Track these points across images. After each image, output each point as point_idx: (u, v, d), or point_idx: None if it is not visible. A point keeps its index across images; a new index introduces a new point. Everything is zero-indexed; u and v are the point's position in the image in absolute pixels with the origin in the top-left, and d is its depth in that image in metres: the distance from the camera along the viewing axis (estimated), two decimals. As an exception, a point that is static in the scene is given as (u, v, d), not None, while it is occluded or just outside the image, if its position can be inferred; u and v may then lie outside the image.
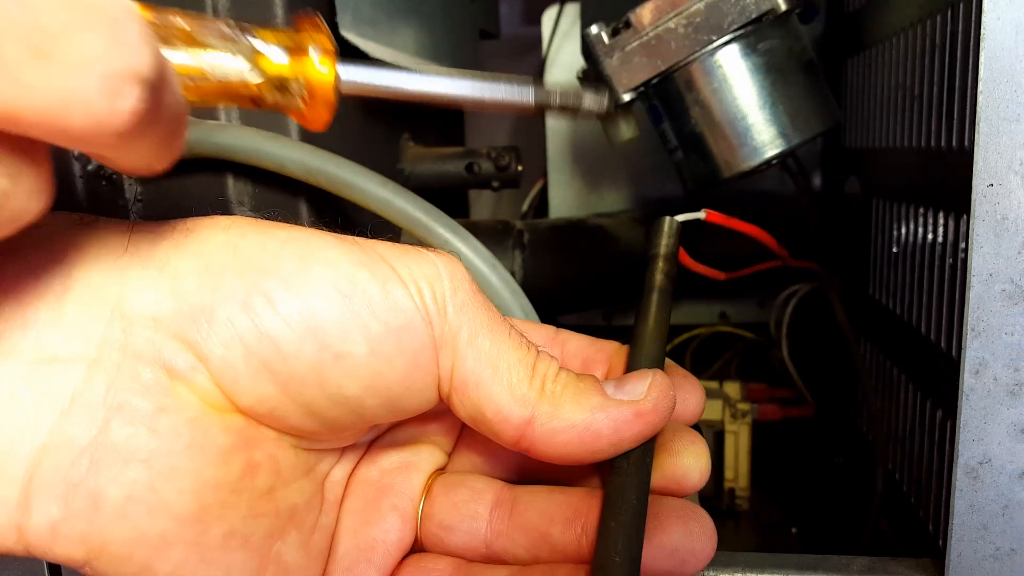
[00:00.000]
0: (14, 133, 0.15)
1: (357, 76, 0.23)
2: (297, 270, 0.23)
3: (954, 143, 0.33)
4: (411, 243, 0.26)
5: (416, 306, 0.24)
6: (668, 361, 0.31)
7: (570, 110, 0.28)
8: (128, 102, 0.15)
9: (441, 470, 0.30)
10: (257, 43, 0.21)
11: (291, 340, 0.23)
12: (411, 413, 0.26)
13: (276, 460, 0.25)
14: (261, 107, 0.22)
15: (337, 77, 0.22)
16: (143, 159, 0.19)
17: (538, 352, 0.26)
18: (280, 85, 0.22)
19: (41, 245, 0.23)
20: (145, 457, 0.21)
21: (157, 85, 0.16)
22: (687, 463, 0.27)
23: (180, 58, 0.21)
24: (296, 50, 0.22)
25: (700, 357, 0.68)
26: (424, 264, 0.25)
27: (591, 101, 0.28)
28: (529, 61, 0.96)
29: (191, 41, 0.21)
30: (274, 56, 0.21)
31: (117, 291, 0.22)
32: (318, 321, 0.23)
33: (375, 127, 0.49)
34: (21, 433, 0.21)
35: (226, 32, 0.21)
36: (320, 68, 0.22)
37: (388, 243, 0.25)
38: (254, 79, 0.21)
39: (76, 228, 0.23)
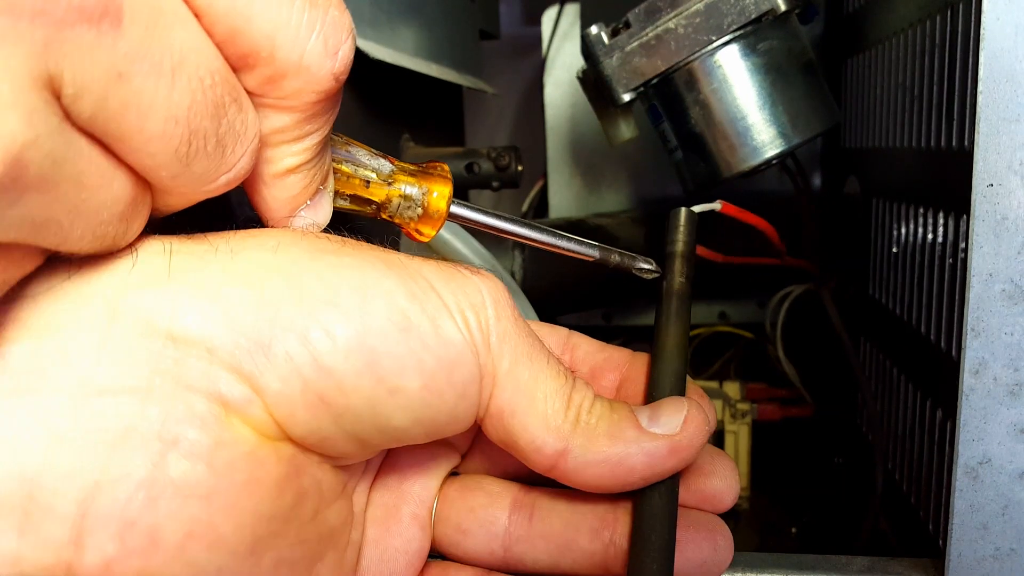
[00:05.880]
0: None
1: (462, 210, 0.28)
2: (356, 303, 0.22)
3: (954, 143, 0.33)
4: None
5: (465, 339, 0.24)
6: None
7: (624, 268, 0.34)
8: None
9: (455, 469, 0.30)
10: (396, 165, 0.27)
11: (349, 374, 0.22)
12: (446, 436, 0.26)
13: (320, 483, 0.24)
14: (379, 215, 0.27)
15: (448, 206, 0.28)
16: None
17: (575, 381, 0.26)
18: (405, 197, 0.27)
19: (78, 269, 0.21)
20: (204, 493, 0.21)
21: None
22: (720, 485, 0.27)
23: (339, 154, 0.26)
24: (423, 178, 0.27)
25: (700, 357, 0.68)
26: (469, 290, 0.24)
27: (643, 262, 0.34)
28: (529, 61, 0.96)
29: (348, 144, 0.26)
30: (407, 175, 0.27)
31: (167, 320, 0.21)
32: (377, 355, 0.22)
33: (375, 127, 0.49)
34: (71, 470, 0.20)
35: (375, 152, 0.27)
36: (437, 196, 0.27)
37: (433, 265, 0.25)
38: (387, 186, 0.27)
39: (113, 250, 0.22)
